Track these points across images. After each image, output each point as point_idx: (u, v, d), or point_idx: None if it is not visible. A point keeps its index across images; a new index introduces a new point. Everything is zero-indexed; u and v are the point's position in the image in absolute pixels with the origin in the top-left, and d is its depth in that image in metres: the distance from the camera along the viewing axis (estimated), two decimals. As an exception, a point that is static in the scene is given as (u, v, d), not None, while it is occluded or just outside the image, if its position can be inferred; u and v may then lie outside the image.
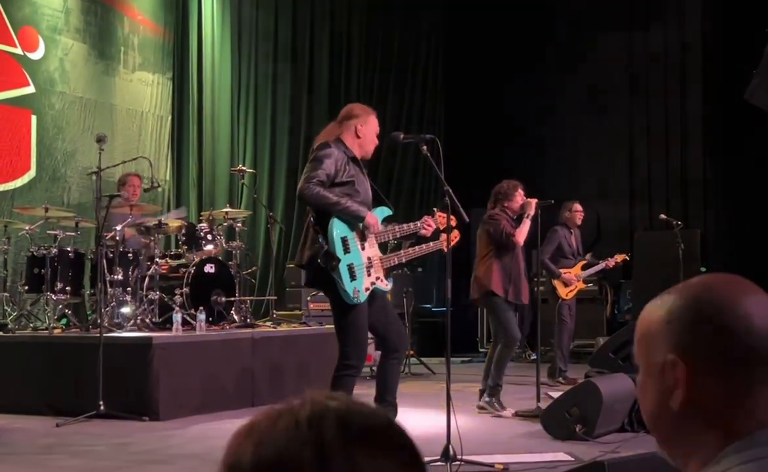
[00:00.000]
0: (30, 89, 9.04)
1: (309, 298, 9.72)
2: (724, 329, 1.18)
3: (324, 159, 4.90)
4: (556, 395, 6.37)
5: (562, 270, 8.82)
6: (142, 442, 5.66)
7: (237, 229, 8.46)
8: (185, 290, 7.61)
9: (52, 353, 6.88)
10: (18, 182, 8.87)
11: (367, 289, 4.94)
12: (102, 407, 6.24)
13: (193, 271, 7.68)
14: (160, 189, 9.45)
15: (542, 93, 13.82)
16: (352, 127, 5.09)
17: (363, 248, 5.01)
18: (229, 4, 11.32)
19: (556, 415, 5.79)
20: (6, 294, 7.64)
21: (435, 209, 5.34)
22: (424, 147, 5.00)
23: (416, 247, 5.73)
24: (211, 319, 7.57)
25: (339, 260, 4.81)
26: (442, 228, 5.14)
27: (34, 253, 7.54)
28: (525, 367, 10.49)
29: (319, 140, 5.14)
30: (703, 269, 10.96)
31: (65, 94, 9.38)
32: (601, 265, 9.04)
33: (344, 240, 4.90)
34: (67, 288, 7.46)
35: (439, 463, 4.59)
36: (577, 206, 9.03)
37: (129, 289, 7.56)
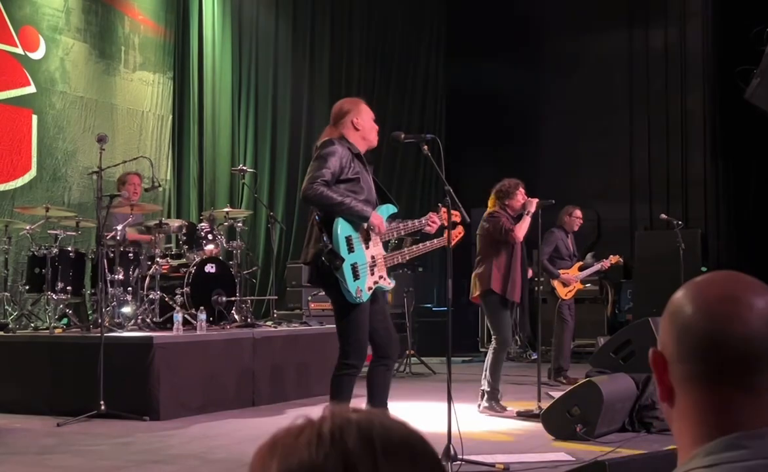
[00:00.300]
0: (31, 89, 9.04)
1: (309, 298, 9.72)
2: (688, 330, 1.19)
3: (328, 157, 4.87)
4: (556, 394, 6.36)
5: (560, 271, 8.85)
6: (143, 442, 5.66)
7: (238, 228, 8.46)
8: (186, 289, 7.61)
9: (52, 353, 6.88)
10: (19, 182, 8.88)
11: (369, 288, 4.93)
12: (103, 407, 6.24)
13: (193, 271, 7.68)
14: (160, 189, 9.45)
15: (543, 92, 13.82)
16: (349, 123, 5.06)
17: (367, 247, 4.99)
18: (230, 4, 11.32)
19: (557, 415, 5.79)
20: (7, 294, 7.64)
21: (440, 205, 5.29)
22: (425, 147, 5.00)
23: (420, 244, 5.71)
24: (211, 319, 7.57)
25: (343, 260, 4.79)
26: (446, 224, 5.12)
27: (35, 252, 7.55)
28: (525, 367, 10.50)
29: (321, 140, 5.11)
30: (703, 269, 10.95)
31: (66, 93, 9.39)
32: (597, 266, 9.11)
33: (348, 239, 4.88)
34: (67, 288, 7.46)
35: (439, 463, 4.58)
36: (578, 213, 9.04)
37: (130, 289, 7.56)
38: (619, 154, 13.40)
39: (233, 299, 7.94)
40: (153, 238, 7.79)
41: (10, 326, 7.31)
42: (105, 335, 6.53)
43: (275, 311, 8.98)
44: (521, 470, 4.82)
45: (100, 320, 6.72)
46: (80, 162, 9.39)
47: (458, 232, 5.63)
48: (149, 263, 7.68)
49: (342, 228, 4.86)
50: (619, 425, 5.88)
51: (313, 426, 0.89)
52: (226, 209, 8.65)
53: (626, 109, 13.41)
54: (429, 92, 14.01)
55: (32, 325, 7.46)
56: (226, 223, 8.52)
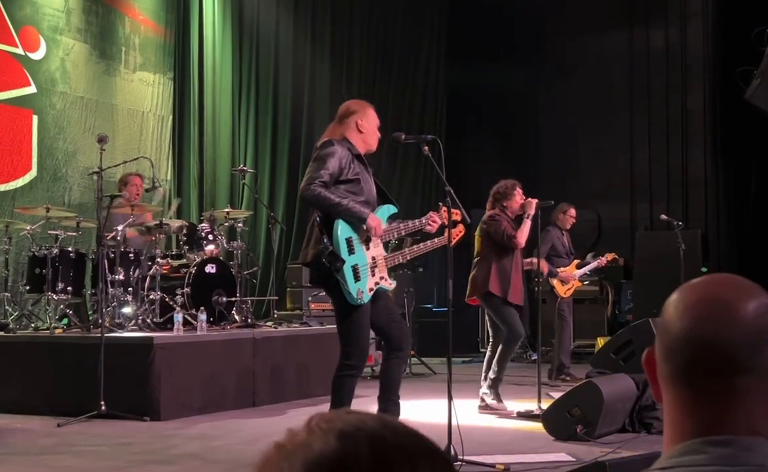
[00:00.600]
0: (31, 89, 9.04)
1: (310, 298, 9.72)
2: (667, 330, 1.18)
3: (327, 158, 4.84)
4: (557, 395, 6.36)
5: (558, 269, 8.87)
6: (143, 442, 5.66)
7: (238, 229, 8.47)
8: (186, 290, 7.61)
9: (53, 353, 6.87)
10: (19, 182, 8.88)
11: (371, 289, 4.92)
12: (103, 407, 6.24)
13: (194, 271, 7.68)
14: (161, 189, 9.44)
15: (543, 92, 13.82)
16: (353, 123, 5.05)
17: (368, 248, 4.98)
18: (230, 4, 11.33)
19: (557, 415, 5.79)
20: (7, 294, 7.64)
21: (440, 204, 5.29)
22: (426, 147, 4.99)
23: (420, 244, 5.70)
24: (212, 319, 7.57)
25: (343, 262, 4.78)
26: (447, 223, 5.11)
27: (35, 253, 7.55)
28: (525, 367, 10.50)
29: (321, 140, 5.11)
30: (704, 270, 10.96)
31: (66, 94, 9.39)
32: (594, 263, 9.14)
33: (349, 241, 4.87)
34: (68, 288, 7.47)
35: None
36: (572, 211, 9.07)
37: (130, 289, 7.56)
38: (619, 155, 13.40)
39: (234, 299, 7.94)
40: (153, 238, 7.80)
41: (10, 326, 7.31)
42: (105, 335, 6.53)
43: (275, 311, 8.98)
44: (521, 470, 4.82)
45: (100, 321, 6.72)
46: (81, 162, 9.39)
47: (459, 231, 5.63)
48: (150, 263, 7.68)
49: (342, 230, 4.85)
50: (620, 426, 5.87)
51: (322, 431, 0.88)
52: (226, 210, 8.65)
53: (626, 109, 13.41)
54: (429, 91, 14.01)
55: (33, 325, 7.46)
56: (226, 224, 8.52)
